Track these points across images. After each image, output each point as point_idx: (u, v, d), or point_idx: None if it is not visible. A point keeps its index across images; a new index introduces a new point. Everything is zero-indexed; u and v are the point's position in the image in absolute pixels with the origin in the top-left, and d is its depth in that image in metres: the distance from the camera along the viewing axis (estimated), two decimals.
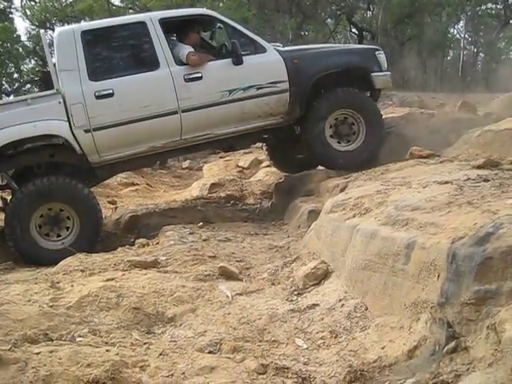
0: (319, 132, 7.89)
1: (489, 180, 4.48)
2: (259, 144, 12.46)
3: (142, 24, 7.42)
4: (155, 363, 3.40)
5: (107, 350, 3.48)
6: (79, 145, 7.07)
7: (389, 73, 8.55)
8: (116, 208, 9.49)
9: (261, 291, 4.75)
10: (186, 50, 7.43)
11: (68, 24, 24.30)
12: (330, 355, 3.59)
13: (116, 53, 7.57)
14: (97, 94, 7.06)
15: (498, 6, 32.81)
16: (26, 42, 27.59)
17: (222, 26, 8.11)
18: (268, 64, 7.72)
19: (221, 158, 14.05)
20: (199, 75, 7.43)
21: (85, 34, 7.23)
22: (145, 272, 5.07)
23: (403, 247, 3.70)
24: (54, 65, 7.38)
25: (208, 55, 7.62)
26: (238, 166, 12.20)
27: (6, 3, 27.74)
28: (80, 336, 3.73)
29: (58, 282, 4.85)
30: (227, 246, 5.96)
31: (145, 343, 3.79)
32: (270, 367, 3.35)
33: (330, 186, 6.96)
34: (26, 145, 7.05)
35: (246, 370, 3.32)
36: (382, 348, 3.45)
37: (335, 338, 3.80)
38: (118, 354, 3.43)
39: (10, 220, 6.89)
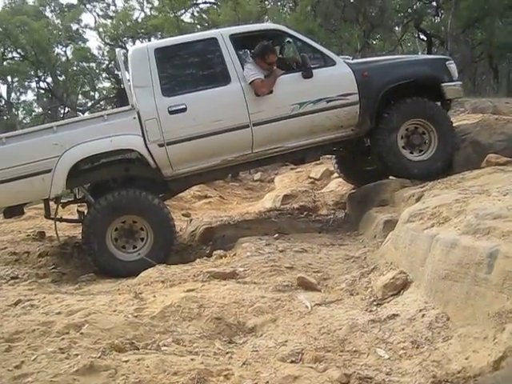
0: (392, 143, 7.89)
1: None
2: (330, 155, 12.52)
3: (213, 40, 7.60)
4: (239, 372, 3.46)
5: (192, 359, 3.57)
6: (153, 159, 7.27)
7: (460, 82, 8.49)
8: (191, 220, 9.67)
9: (340, 301, 4.76)
10: (251, 75, 7.45)
11: (139, 41, 25.08)
12: (412, 365, 3.57)
13: (188, 69, 7.86)
14: (170, 109, 7.25)
15: None
16: (99, 61, 28.53)
17: (291, 40, 8.21)
18: (338, 77, 7.80)
19: (292, 169, 14.11)
20: (271, 90, 7.53)
21: (158, 51, 7.46)
22: (224, 283, 5.16)
23: (486, 256, 3.65)
24: (129, 81, 7.64)
25: (276, 74, 7.63)
26: (309, 177, 12.25)
27: (77, 25, 28.80)
28: (165, 345, 3.83)
29: (141, 293, 5.00)
30: (304, 257, 6.00)
31: (227, 352, 3.87)
32: (353, 377, 3.36)
33: (406, 195, 6.90)
34: (103, 159, 7.31)
35: (329, 380, 3.34)
36: (466, 359, 3.40)
37: (417, 348, 3.77)
38: (202, 362, 3.52)
39: (87, 235, 7.10)
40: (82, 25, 28.37)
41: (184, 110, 7.28)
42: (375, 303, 4.64)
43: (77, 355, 3.48)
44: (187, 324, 4.26)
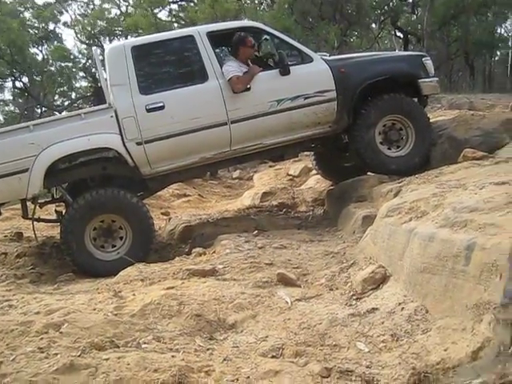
0: (370, 139, 7.91)
1: None
2: (308, 152, 12.55)
3: (190, 37, 7.57)
4: (220, 368, 3.46)
5: (173, 356, 3.56)
6: (131, 157, 7.23)
7: (436, 79, 8.56)
8: (169, 219, 9.65)
9: (319, 297, 4.78)
10: (229, 72, 7.45)
11: (116, 39, 25.00)
12: (392, 358, 3.59)
13: (165, 66, 7.74)
14: (148, 107, 7.21)
15: None
16: (76, 60, 28.36)
17: (268, 37, 8.17)
18: (315, 73, 7.78)
19: (270, 167, 14.11)
20: (248, 86, 7.52)
21: (134, 49, 7.41)
22: (204, 280, 5.15)
23: (463, 249, 3.68)
24: (106, 80, 7.59)
25: (254, 71, 7.62)
26: (288, 175, 12.24)
27: (54, 24, 28.55)
28: (145, 343, 3.82)
29: (120, 292, 4.97)
30: (283, 253, 6.01)
31: (208, 349, 3.86)
32: (334, 370, 3.38)
33: (384, 190, 6.93)
34: (80, 158, 7.24)
35: (309, 374, 3.35)
36: (445, 350, 3.44)
37: (396, 341, 3.80)
38: (183, 359, 3.51)
39: (66, 235, 7.05)
40: (59, 24, 28.15)
41: (162, 107, 7.24)
42: (355, 297, 4.66)
43: (56, 354, 3.45)
44: (167, 321, 4.24)
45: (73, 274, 6.84)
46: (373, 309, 4.33)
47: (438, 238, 4.07)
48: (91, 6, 27.24)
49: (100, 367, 3.27)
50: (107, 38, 25.12)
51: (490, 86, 28.30)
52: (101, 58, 7.99)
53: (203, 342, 4.00)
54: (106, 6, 26.46)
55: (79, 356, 3.41)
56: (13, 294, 5.27)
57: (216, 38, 7.71)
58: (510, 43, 33.03)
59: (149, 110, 7.22)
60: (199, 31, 7.65)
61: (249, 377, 3.35)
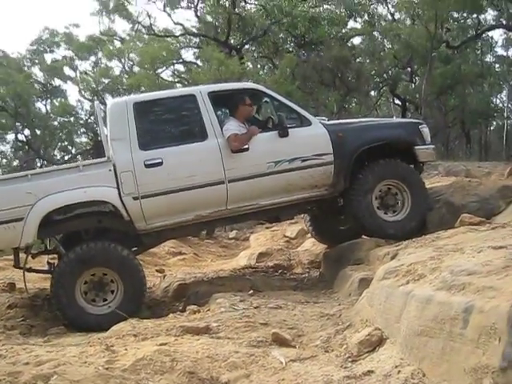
0: (367, 204, 7.96)
1: None
2: (303, 215, 12.61)
3: (192, 97, 7.71)
4: None
5: None
6: (127, 211, 7.24)
7: (432, 146, 8.68)
8: (164, 276, 9.60)
9: (314, 358, 4.69)
10: (228, 131, 7.55)
11: (119, 96, 25.43)
12: None
13: (166, 123, 7.85)
14: (146, 162, 7.27)
15: None
16: (78, 115, 28.67)
17: (268, 99, 8.31)
18: (313, 137, 7.89)
19: (267, 228, 14.15)
20: (246, 147, 7.58)
21: (136, 105, 7.53)
22: (197, 337, 5.08)
23: (461, 311, 3.64)
24: (106, 134, 7.67)
25: (253, 132, 7.71)
26: (284, 236, 12.25)
27: (60, 81, 28.99)
28: None
29: (112, 346, 4.89)
30: (278, 314, 5.94)
31: None
32: None
33: (380, 254, 6.93)
34: (76, 210, 7.26)
35: None
36: None
37: None
38: None
39: (56, 289, 7.01)
40: (65, 79, 28.51)
41: (160, 163, 7.29)
42: (350, 360, 4.58)
43: None
44: (159, 378, 4.16)
45: (64, 328, 6.79)
46: (369, 371, 4.24)
47: (435, 301, 4.03)
48: (98, 64, 27.76)
49: None
50: (110, 95, 25.50)
51: (486, 155, 28.64)
52: (102, 113, 8.08)
53: None
54: (111, 64, 26.98)
55: None
56: (2, 344, 5.18)
57: (217, 98, 7.82)
58: (505, 114, 33.59)
59: (147, 166, 7.26)
60: (201, 91, 7.79)
61: None
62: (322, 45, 23.11)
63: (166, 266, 11.40)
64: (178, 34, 25.39)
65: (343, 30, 25.10)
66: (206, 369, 4.35)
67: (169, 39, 24.73)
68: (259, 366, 4.48)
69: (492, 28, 26.75)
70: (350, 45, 25.73)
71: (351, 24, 26.33)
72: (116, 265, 7.10)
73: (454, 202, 8.39)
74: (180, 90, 8.49)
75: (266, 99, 8.42)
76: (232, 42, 23.78)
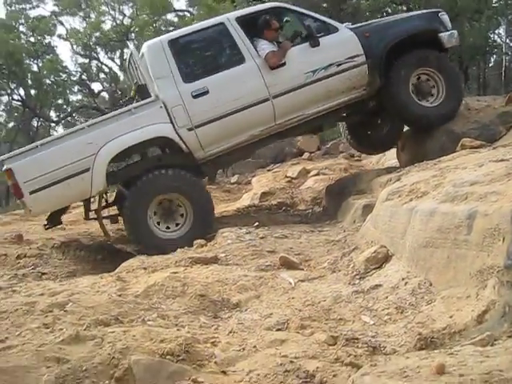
0: (406, 92, 8.20)
1: None
2: (306, 155, 12.76)
3: (222, 25, 7.91)
4: (226, 340, 3.47)
5: (178, 330, 3.57)
6: (184, 143, 7.53)
7: (455, 31, 8.79)
8: None
9: (323, 278, 4.80)
10: (264, 50, 7.77)
11: (111, 50, 25.27)
12: (397, 328, 3.60)
13: (203, 54, 8.11)
14: (193, 93, 7.50)
15: None
16: (71, 72, 28.43)
17: (293, 14, 8.52)
18: (343, 41, 8.11)
19: (269, 170, 14.16)
20: (282, 62, 7.82)
21: (171, 42, 7.76)
22: (206, 266, 5.17)
23: (465, 218, 3.69)
24: (149, 74, 7.77)
25: (286, 47, 7.92)
26: (286, 177, 12.27)
27: (50, 37, 28.58)
28: (150, 320, 3.82)
29: (124, 277, 4.97)
30: (285, 242, 6.03)
31: (213, 325, 3.87)
32: (340, 338, 3.39)
33: (383, 181, 6.96)
34: (136, 152, 7.78)
35: (316, 342, 3.36)
36: (451, 317, 3.44)
37: (401, 313, 3.81)
38: (188, 332, 3.52)
39: (130, 218, 7.35)
40: (54, 37, 28.20)
41: (206, 92, 7.53)
42: (358, 277, 4.67)
43: (61, 329, 3.45)
44: (171, 301, 4.26)
45: (75, 270, 6.83)
46: (376, 285, 4.34)
47: (439, 212, 4.08)
48: (87, 19, 27.36)
49: (106, 338, 3.27)
50: (103, 49, 25.28)
51: (485, 92, 28.37)
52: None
53: (208, 319, 4.01)
54: (101, 18, 26.57)
55: (85, 329, 3.41)
56: (16, 282, 5.26)
57: (245, 22, 7.99)
58: (503, 49, 33.21)
59: (195, 96, 7.50)
60: (229, 18, 8.01)
61: (255, 346, 3.35)
62: None
63: None
64: None
65: None
66: (217, 292, 4.44)
67: None
68: (269, 287, 4.57)
69: None
70: None
71: None
72: (186, 189, 7.42)
73: (454, 129, 8.34)
74: (208, 21, 8.52)
75: (286, 18, 8.58)
76: None
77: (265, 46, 7.79)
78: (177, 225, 7.44)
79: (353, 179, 8.31)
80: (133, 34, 24.83)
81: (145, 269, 5.42)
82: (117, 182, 7.68)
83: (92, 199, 7.90)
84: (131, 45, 9.23)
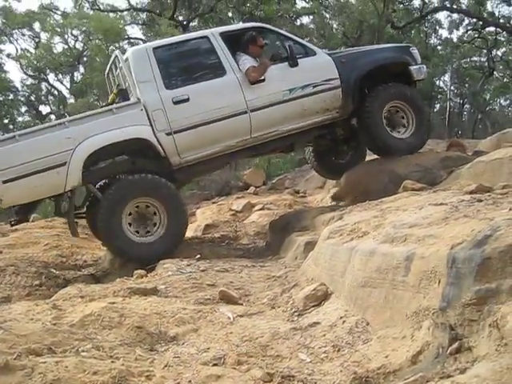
0: (379, 122, 8.76)
1: (482, 200, 4.57)
2: (251, 189, 12.85)
3: (206, 38, 8.33)
4: (161, 373, 3.41)
5: (112, 362, 3.49)
6: (162, 147, 7.77)
7: (424, 66, 9.46)
8: None
9: (261, 313, 4.78)
10: (245, 64, 8.16)
11: (60, 74, 25.05)
12: (333, 367, 3.60)
13: (185, 64, 8.38)
14: (174, 99, 7.82)
15: (482, 59, 33.75)
16: (19, 92, 27.89)
17: (274, 35, 9.10)
18: (320, 64, 8.62)
19: (213, 203, 14.15)
20: (262, 78, 8.22)
21: (155, 49, 8.09)
22: (145, 297, 5.10)
23: (403, 260, 3.77)
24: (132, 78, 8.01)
25: (266, 63, 8.32)
26: (231, 210, 12.26)
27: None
28: (84, 351, 3.73)
29: (59, 305, 4.87)
30: (225, 276, 6.01)
31: (148, 358, 3.80)
32: (276, 375, 3.37)
33: (326, 218, 7.06)
34: (113, 153, 7.86)
35: (251, 379, 3.34)
36: (386, 357, 3.47)
37: (338, 351, 3.82)
38: (123, 364, 3.45)
39: (104, 219, 7.52)
40: (2, 54, 27.69)
41: (187, 100, 7.85)
42: (297, 314, 4.68)
43: None
44: (107, 332, 4.17)
45: (10, 296, 6.66)
46: (314, 323, 4.35)
47: (378, 253, 4.15)
48: (37, 40, 27.03)
49: (37, 368, 3.17)
50: (53, 72, 25.00)
51: (429, 135, 29.07)
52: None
53: (144, 352, 3.93)
54: (52, 40, 26.30)
55: (15, 358, 3.31)
56: None
57: (228, 38, 8.40)
58: (448, 95, 34.28)
59: (175, 103, 7.81)
60: (212, 32, 8.44)
61: (190, 381, 3.30)
62: (270, 23, 23.10)
63: None
64: (123, 8, 25.03)
65: (292, 9, 25.12)
66: (155, 324, 4.38)
67: (113, 15, 24.35)
68: (207, 321, 4.54)
69: (436, 10, 27.14)
70: (298, 23, 25.82)
71: (300, 3, 26.39)
72: (162, 195, 7.64)
73: (397, 171, 8.53)
74: (193, 34, 9.18)
75: (265, 41, 8.94)
76: (180, 18, 23.57)
77: (246, 61, 8.19)
78: (147, 232, 7.69)
79: (297, 215, 8.39)
80: (85, 58, 24.75)
81: (82, 297, 5.31)
82: (90, 181, 7.78)
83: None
84: (116, 50, 9.45)
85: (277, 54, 8.78)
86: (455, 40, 33.24)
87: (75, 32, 24.93)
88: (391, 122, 8.94)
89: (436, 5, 26.89)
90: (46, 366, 3.22)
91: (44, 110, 28.13)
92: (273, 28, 9.28)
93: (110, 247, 7.84)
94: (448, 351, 3.09)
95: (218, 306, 4.91)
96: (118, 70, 8.44)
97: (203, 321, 4.53)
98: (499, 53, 34.38)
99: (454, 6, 26.23)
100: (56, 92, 27.18)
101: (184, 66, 8.31)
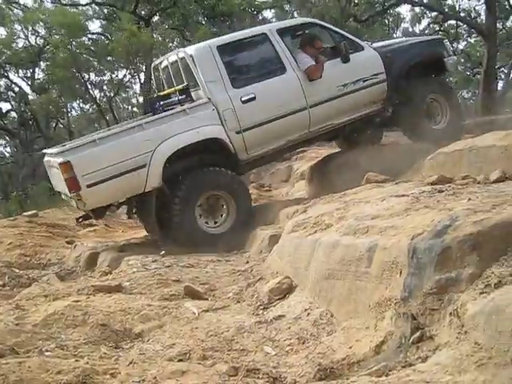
0: (420, 113, 9.17)
1: (443, 191, 4.64)
2: None
3: (264, 35, 8.44)
4: (126, 371, 3.40)
5: (76, 360, 3.48)
6: (233, 145, 7.97)
7: (455, 57, 9.96)
8: (75, 246, 9.39)
9: (227, 308, 4.80)
10: (305, 63, 8.39)
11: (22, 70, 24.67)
12: (298, 359, 3.64)
13: (248, 62, 8.66)
14: (242, 99, 7.99)
15: None
16: None
17: (326, 31, 9.21)
18: (368, 59, 8.92)
19: None
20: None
21: (219, 47, 8.17)
22: (110, 295, 5.06)
23: (365, 251, 3.81)
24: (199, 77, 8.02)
25: (323, 61, 8.55)
26: None
27: None
28: (48, 351, 3.71)
29: (22, 305, 4.81)
30: (190, 272, 6.00)
31: (113, 356, 3.79)
32: (241, 369, 3.38)
33: (290, 212, 7.06)
34: (190, 152, 7.79)
35: (217, 373, 3.35)
36: (350, 348, 3.52)
37: (303, 343, 3.86)
38: (87, 363, 3.43)
39: (179, 213, 7.64)
40: None
41: (253, 98, 8.03)
42: (262, 307, 4.70)
43: None
44: (71, 331, 4.14)
45: None
46: (279, 316, 4.38)
47: (341, 245, 4.19)
48: None
49: None
50: (14, 68, 24.54)
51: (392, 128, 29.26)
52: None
53: (108, 350, 3.93)
54: (13, 35, 25.73)
55: None
56: None
57: (284, 34, 8.60)
58: None
59: (244, 102, 7.99)
60: (270, 29, 8.60)
61: (155, 377, 3.30)
62: (232, 17, 23.08)
63: (76, 237, 11.12)
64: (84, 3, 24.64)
65: (255, 2, 25.04)
66: (119, 321, 4.36)
67: (74, 10, 23.96)
68: (172, 316, 4.54)
69: (398, 3, 27.28)
70: (260, 17, 25.73)
71: None
72: (230, 187, 7.90)
73: (360, 164, 8.57)
74: (251, 30, 9.17)
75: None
76: (142, 13, 23.32)
77: (306, 60, 8.43)
78: (215, 223, 7.95)
79: (261, 209, 8.39)
80: (46, 54, 24.34)
81: (46, 297, 5.25)
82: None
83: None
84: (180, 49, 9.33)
85: (330, 50, 9.04)
86: (418, 33, 33.48)
87: (36, 27, 24.47)
88: (429, 112, 9.30)
89: None
90: (9, 368, 3.19)
91: (4, 107, 27.56)
92: (325, 24, 9.57)
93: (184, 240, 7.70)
94: (410, 340, 3.14)
95: (183, 301, 4.91)
96: (176, 66, 8.49)
97: (168, 317, 4.53)
98: (461, 46, 34.84)
99: (416, 0, 26.38)
100: (17, 88, 26.69)
101: (246, 64, 8.58)
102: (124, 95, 32.07)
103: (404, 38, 11.59)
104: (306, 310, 4.29)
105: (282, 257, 5.38)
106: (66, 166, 7.12)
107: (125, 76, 25.90)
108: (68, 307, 4.44)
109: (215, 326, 4.28)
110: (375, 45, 9.63)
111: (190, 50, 8.42)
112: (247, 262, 6.39)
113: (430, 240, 3.24)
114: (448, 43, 10.16)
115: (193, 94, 8.13)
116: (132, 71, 23.24)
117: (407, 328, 3.21)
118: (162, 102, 8.56)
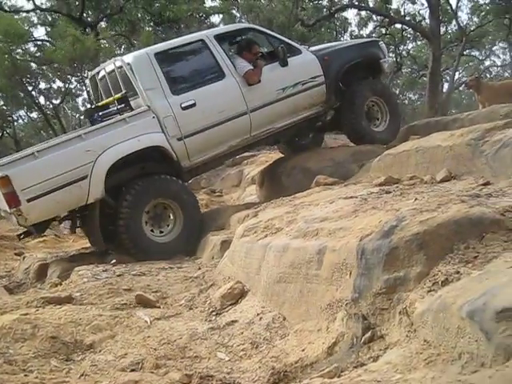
0: (361, 115, 9.33)
1: (390, 192, 4.73)
2: None
3: (201, 41, 8.41)
4: (77, 383, 3.35)
5: (26, 375, 3.41)
6: (175, 153, 7.87)
7: (391, 58, 9.90)
8: (24, 257, 9.22)
9: (179, 315, 4.77)
10: (243, 68, 8.40)
11: None
12: (252, 364, 3.64)
13: (186, 68, 8.57)
14: (182, 105, 7.91)
15: (390, 55, 34.63)
16: None
17: (263, 35, 9.33)
18: (306, 63, 9.00)
19: None
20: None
21: (157, 55, 8.06)
22: (59, 307, 4.97)
23: (315, 253, 3.84)
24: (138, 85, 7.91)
25: (261, 65, 8.59)
26: None
27: None
28: None
29: None
30: (142, 280, 5.93)
31: (64, 369, 3.73)
32: (195, 376, 3.37)
33: (241, 216, 7.08)
34: (131, 161, 7.64)
35: (170, 382, 3.33)
36: (303, 350, 3.54)
37: (256, 348, 3.86)
38: (37, 377, 3.37)
39: (126, 221, 7.50)
40: None
41: (194, 105, 7.96)
42: (214, 313, 4.69)
43: None
44: (20, 345, 4.05)
45: None
46: (232, 321, 4.38)
47: (291, 248, 4.21)
48: None
49: None
50: None
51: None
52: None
53: (59, 363, 3.86)
54: None
55: None
56: None
57: (222, 40, 8.62)
58: None
59: (184, 108, 7.91)
60: (207, 35, 8.57)
61: None
62: (180, 23, 23.02)
63: (25, 249, 10.93)
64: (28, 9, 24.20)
65: (203, 8, 25.03)
66: (70, 333, 4.29)
67: (17, 16, 23.52)
68: (124, 326, 4.48)
69: (345, 8, 27.64)
70: (208, 23, 25.69)
71: (209, 2, 26.38)
72: (177, 195, 7.81)
73: (309, 167, 8.69)
74: (189, 37, 9.06)
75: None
76: (89, 19, 23.05)
77: (243, 65, 8.44)
78: (160, 232, 7.79)
79: (212, 215, 8.39)
80: None
81: None
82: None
83: None
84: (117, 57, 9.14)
85: (268, 54, 9.17)
86: (366, 37, 33.97)
87: None
88: (369, 115, 9.46)
89: (344, 2, 27.33)
90: None
91: None
92: (262, 29, 9.64)
93: (133, 250, 7.62)
94: (362, 340, 3.17)
95: (134, 310, 4.86)
96: (114, 75, 8.29)
97: (120, 326, 4.47)
98: (407, 49, 35.52)
99: (362, 4, 26.81)
100: None
101: (185, 71, 8.48)
102: (72, 103, 31.70)
103: (341, 41, 11.71)
104: (258, 314, 4.30)
105: (234, 262, 5.38)
106: (4, 181, 6.84)
107: (70, 83, 25.54)
108: (16, 321, 4.34)
109: (168, 334, 4.25)
110: (313, 48, 9.78)
111: (128, 58, 8.30)
112: (199, 269, 6.36)
113: (378, 241, 3.28)
114: (384, 45, 10.17)
115: (132, 102, 8.00)
116: (79, 78, 22.88)
117: (358, 328, 3.24)
118: (100, 113, 8.31)
